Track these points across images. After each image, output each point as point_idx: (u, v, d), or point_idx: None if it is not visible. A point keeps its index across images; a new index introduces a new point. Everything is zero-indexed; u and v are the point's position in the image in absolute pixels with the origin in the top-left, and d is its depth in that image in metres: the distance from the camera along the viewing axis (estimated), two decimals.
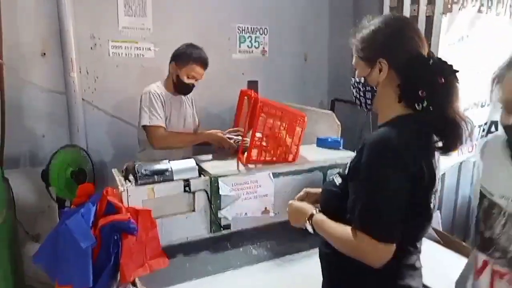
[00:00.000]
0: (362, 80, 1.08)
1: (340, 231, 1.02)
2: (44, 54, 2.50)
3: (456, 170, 3.06)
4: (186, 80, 2.19)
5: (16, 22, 2.39)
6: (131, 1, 2.66)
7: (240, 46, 3.16)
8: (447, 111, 0.98)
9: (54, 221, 2.48)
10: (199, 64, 2.18)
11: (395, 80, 1.03)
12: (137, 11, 2.69)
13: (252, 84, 3.27)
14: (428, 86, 0.97)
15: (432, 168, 0.99)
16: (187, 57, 2.17)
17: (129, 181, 1.66)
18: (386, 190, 0.94)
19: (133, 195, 1.59)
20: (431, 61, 0.98)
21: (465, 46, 2.44)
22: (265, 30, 3.24)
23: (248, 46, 3.19)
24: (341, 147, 2.24)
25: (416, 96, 0.98)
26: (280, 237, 1.78)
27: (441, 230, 2.58)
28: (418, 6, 2.45)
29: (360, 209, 0.96)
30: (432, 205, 1.04)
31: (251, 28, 3.17)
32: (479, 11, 2.43)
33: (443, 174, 2.81)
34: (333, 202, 1.11)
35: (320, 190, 1.36)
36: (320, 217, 1.11)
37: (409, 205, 0.96)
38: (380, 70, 1.03)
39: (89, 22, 2.57)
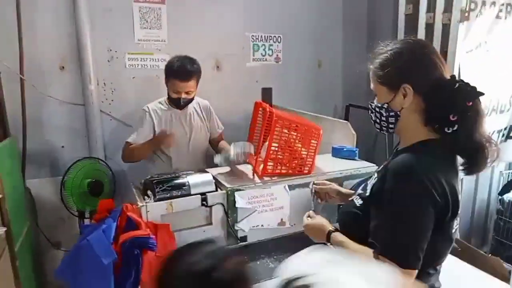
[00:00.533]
0: (385, 105, 1.07)
1: (361, 254, 1.03)
2: (63, 68, 2.56)
3: (474, 175, 3.01)
4: (173, 96, 2.21)
5: (36, 39, 2.45)
6: (146, 14, 2.70)
7: (254, 55, 3.18)
8: (474, 133, 0.99)
9: (74, 229, 2.55)
10: (178, 79, 2.15)
11: (419, 104, 1.03)
12: (153, 23, 2.73)
13: (266, 91, 3.28)
14: (458, 110, 0.97)
15: (456, 196, 0.99)
16: (167, 73, 2.19)
17: (148, 196, 1.69)
18: (410, 219, 0.95)
19: (152, 210, 1.62)
20: (457, 84, 0.98)
21: (483, 52, 2.40)
22: (279, 38, 3.24)
23: (262, 54, 3.21)
24: (357, 157, 2.23)
25: (446, 120, 0.98)
26: (296, 250, 1.77)
27: (458, 236, 2.55)
28: (434, 14, 2.42)
29: (383, 235, 0.97)
30: (454, 230, 1.04)
31: (264, 36, 3.18)
32: (497, 17, 2.39)
33: (461, 180, 2.77)
34: (353, 223, 1.12)
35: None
36: (339, 237, 1.12)
37: (432, 231, 0.97)
38: (404, 96, 1.03)
39: (106, 36, 2.63)
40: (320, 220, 1.26)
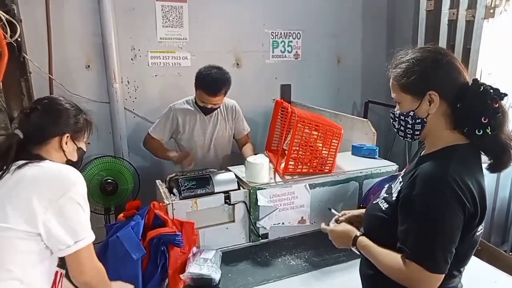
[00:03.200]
0: (411, 113, 1.08)
1: (390, 259, 1.05)
2: (89, 66, 2.64)
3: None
4: (200, 104, 2.25)
5: (63, 39, 2.54)
6: (168, 13, 2.75)
7: (273, 51, 3.20)
8: (501, 133, 1.01)
9: (100, 223, 2.64)
10: (207, 93, 2.17)
11: (444, 109, 1.04)
12: (174, 22, 2.78)
13: (285, 88, 3.30)
14: (488, 113, 0.99)
15: (484, 201, 1.01)
16: (197, 83, 2.21)
17: (173, 194, 1.75)
18: (440, 224, 0.97)
19: (177, 208, 1.68)
20: (482, 88, 1.00)
21: (508, 49, 2.36)
22: (298, 34, 3.25)
23: (281, 51, 3.22)
24: (377, 156, 2.23)
25: (477, 123, 1.00)
26: (317, 247, 1.82)
27: None
28: (458, 10, 2.39)
29: (412, 240, 1.00)
30: (479, 233, 1.06)
31: (284, 33, 3.19)
32: None
33: None
34: (379, 227, 1.14)
35: (359, 211, 1.39)
36: (365, 241, 1.14)
37: (460, 235, 0.99)
38: (430, 102, 1.04)
39: (129, 35, 2.69)
40: (346, 227, 1.27)
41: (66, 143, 1.24)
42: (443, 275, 0.99)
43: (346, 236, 1.21)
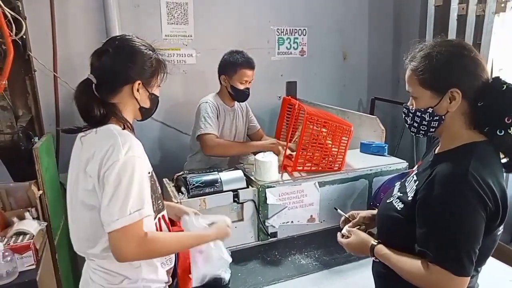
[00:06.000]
0: (430, 110, 1.04)
1: (410, 265, 1.02)
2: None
3: None
4: (240, 87, 2.23)
5: (68, 37, 2.51)
6: (173, 9, 2.72)
7: (279, 48, 3.16)
8: None
9: None
10: (248, 67, 2.22)
11: (464, 107, 1.01)
12: (179, 19, 2.75)
13: (291, 85, 3.27)
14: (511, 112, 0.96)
15: (506, 201, 0.97)
16: (234, 65, 2.21)
17: (182, 193, 1.73)
18: (463, 226, 0.94)
19: (186, 206, 1.65)
20: (505, 86, 0.97)
21: None
22: (304, 31, 3.22)
23: (287, 47, 3.19)
24: (386, 153, 2.21)
25: (499, 123, 0.97)
26: (327, 246, 1.79)
27: None
28: (467, 5, 2.35)
29: (436, 244, 0.96)
30: (499, 232, 1.03)
31: (289, 29, 3.16)
32: None
33: None
34: (394, 228, 1.11)
35: (367, 212, 1.35)
36: (383, 250, 1.11)
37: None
38: (451, 100, 1.00)
39: (134, 32, 2.61)
40: (360, 236, 1.21)
41: (138, 90, 1.18)
42: (469, 278, 0.95)
43: (363, 247, 1.18)
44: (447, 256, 0.95)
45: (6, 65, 1.74)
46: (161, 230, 1.26)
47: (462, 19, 2.46)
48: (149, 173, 1.19)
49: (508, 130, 0.96)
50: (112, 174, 1.04)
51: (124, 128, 1.15)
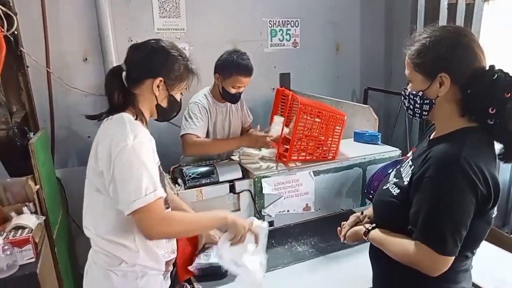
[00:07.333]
0: (420, 93, 1.06)
1: (399, 243, 1.06)
2: (86, 59, 2.61)
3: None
4: (232, 91, 2.14)
5: (60, 33, 2.50)
6: (165, 3, 2.71)
7: (271, 40, 3.17)
8: (511, 123, 0.99)
9: None
10: (244, 75, 2.10)
11: (456, 94, 1.02)
12: (171, 12, 2.74)
13: (284, 77, 3.29)
14: (496, 103, 0.97)
15: (497, 185, 0.99)
16: (230, 69, 2.10)
17: (178, 184, 1.75)
18: (451, 207, 0.96)
19: (183, 198, 1.68)
20: (496, 75, 0.97)
21: (509, 34, 2.35)
22: (296, 22, 3.22)
23: (279, 39, 3.20)
24: (379, 142, 2.24)
25: (484, 112, 0.98)
26: (323, 233, 1.83)
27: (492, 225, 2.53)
28: None
29: (423, 222, 0.99)
30: (493, 216, 1.06)
31: (282, 21, 3.17)
32: None
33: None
34: (391, 213, 1.13)
35: (368, 210, 1.37)
36: (375, 235, 1.15)
37: (474, 218, 0.98)
38: (441, 85, 1.02)
39: (126, 26, 2.65)
40: (355, 227, 1.29)
41: (158, 87, 1.23)
42: (453, 257, 0.98)
43: (357, 235, 1.25)
44: (431, 234, 0.98)
45: None
46: None
47: (452, 8, 2.48)
48: (157, 163, 1.24)
49: (494, 119, 0.98)
50: (122, 158, 1.09)
51: (136, 119, 1.21)
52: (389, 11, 3.54)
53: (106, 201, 1.17)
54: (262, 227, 1.36)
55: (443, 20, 2.57)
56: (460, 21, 2.42)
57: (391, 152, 2.12)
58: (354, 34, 3.53)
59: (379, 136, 2.24)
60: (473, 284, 1.40)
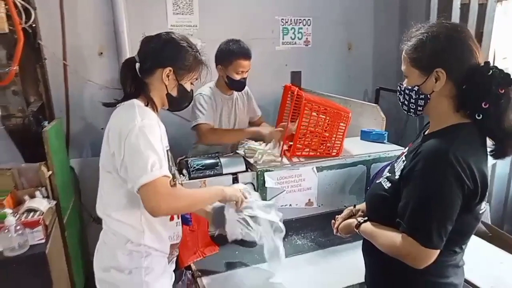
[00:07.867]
0: (416, 88, 1.08)
1: (387, 236, 1.08)
2: (102, 54, 2.69)
3: (509, 160, 2.94)
4: (236, 77, 2.21)
5: (76, 27, 2.59)
6: (179, 0, 2.78)
7: (283, 38, 3.20)
8: (504, 120, 1.00)
9: None
10: (243, 58, 2.18)
11: (451, 89, 1.03)
12: (185, 9, 2.81)
13: (295, 75, 3.31)
14: (490, 98, 0.98)
15: (485, 180, 1.00)
16: (229, 55, 2.19)
17: (183, 175, 1.80)
18: (438, 201, 0.97)
19: (187, 188, 1.72)
20: (491, 71, 0.98)
21: None
22: (309, 21, 3.24)
23: (291, 37, 3.22)
24: (385, 141, 2.24)
25: (477, 107, 0.99)
26: (323, 229, 1.84)
27: (489, 223, 2.51)
28: None
29: (410, 214, 1.01)
30: (481, 211, 1.06)
31: (294, 19, 3.19)
32: None
33: (494, 164, 2.71)
34: (381, 206, 1.15)
35: (361, 204, 1.39)
36: (366, 229, 1.18)
37: (461, 213, 0.99)
38: (436, 80, 1.03)
39: (140, 22, 2.72)
40: (347, 220, 1.33)
41: (168, 76, 1.29)
42: (437, 251, 0.99)
43: (349, 228, 1.28)
44: (417, 227, 1.00)
45: (17, 51, 1.82)
46: None
47: (465, 8, 2.46)
48: (166, 147, 1.30)
49: (486, 115, 0.98)
50: (131, 138, 1.14)
51: (147, 105, 1.28)
52: (403, 11, 3.52)
53: (114, 180, 1.23)
54: (245, 187, 1.54)
55: (455, 20, 2.55)
56: (472, 21, 2.40)
57: (397, 151, 2.11)
58: (367, 34, 3.53)
59: (385, 135, 2.24)
60: (470, 284, 1.41)
